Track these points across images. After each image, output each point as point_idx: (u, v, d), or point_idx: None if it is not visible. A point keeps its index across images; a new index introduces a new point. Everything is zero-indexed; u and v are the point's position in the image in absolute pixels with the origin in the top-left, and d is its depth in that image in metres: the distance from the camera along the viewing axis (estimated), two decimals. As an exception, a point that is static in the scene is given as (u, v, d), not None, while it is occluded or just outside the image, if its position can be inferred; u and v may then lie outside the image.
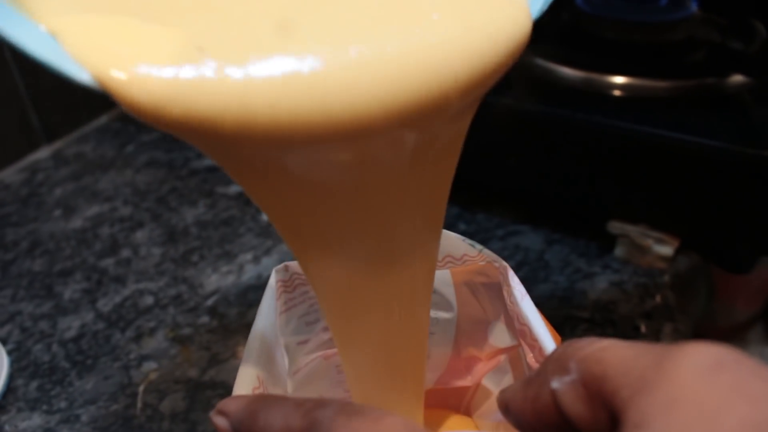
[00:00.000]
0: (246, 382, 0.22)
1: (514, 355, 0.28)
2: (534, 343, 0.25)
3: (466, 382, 0.32)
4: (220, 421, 0.18)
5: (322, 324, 0.29)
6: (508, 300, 0.26)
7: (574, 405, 0.16)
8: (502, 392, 0.18)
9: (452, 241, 0.27)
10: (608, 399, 0.15)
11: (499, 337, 0.28)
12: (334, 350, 0.30)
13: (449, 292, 0.28)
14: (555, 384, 0.16)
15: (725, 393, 0.13)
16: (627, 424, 0.14)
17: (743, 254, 0.45)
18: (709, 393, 0.13)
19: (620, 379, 0.14)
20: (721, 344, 0.14)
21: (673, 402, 0.13)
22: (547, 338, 0.25)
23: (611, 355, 0.15)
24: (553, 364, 0.17)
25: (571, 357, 0.16)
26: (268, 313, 0.25)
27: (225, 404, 0.18)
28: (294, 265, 0.27)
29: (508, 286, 0.26)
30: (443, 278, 0.28)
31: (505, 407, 0.18)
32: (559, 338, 0.26)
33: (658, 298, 0.43)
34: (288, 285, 0.27)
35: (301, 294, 0.28)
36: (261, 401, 0.17)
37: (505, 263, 0.26)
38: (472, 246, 0.27)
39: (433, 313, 0.29)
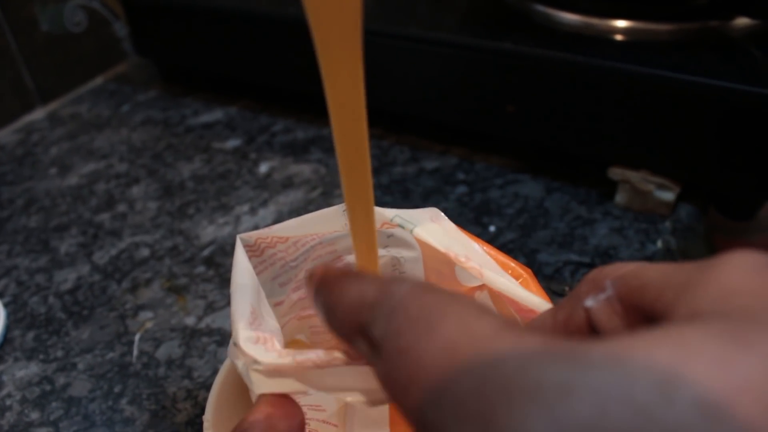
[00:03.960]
0: (243, 313, 0.22)
1: (492, 290, 0.28)
2: (518, 306, 0.25)
3: None
4: (309, 284, 0.18)
5: (292, 284, 0.29)
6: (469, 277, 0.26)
7: (611, 320, 0.15)
8: (530, 322, 0.18)
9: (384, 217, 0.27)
10: (649, 306, 0.14)
11: (468, 277, 0.28)
12: (307, 312, 0.31)
13: (406, 234, 0.28)
14: (589, 302, 0.16)
15: None
16: (675, 320, 0.13)
17: (745, 199, 0.45)
18: (765, 285, 0.12)
19: (662, 285, 0.14)
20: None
21: (729, 293, 0.12)
22: (525, 295, 0.24)
23: (650, 269, 0.15)
24: (586, 285, 0.16)
25: (606, 276, 0.16)
26: (245, 266, 0.25)
27: (313, 270, 0.18)
28: (255, 232, 0.27)
29: (462, 269, 0.26)
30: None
31: None
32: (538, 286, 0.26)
33: (659, 243, 0.43)
34: (255, 249, 0.27)
35: (270, 256, 0.28)
36: (340, 273, 0.17)
37: (448, 251, 0.26)
38: (402, 227, 0.26)
39: (397, 252, 0.29)
